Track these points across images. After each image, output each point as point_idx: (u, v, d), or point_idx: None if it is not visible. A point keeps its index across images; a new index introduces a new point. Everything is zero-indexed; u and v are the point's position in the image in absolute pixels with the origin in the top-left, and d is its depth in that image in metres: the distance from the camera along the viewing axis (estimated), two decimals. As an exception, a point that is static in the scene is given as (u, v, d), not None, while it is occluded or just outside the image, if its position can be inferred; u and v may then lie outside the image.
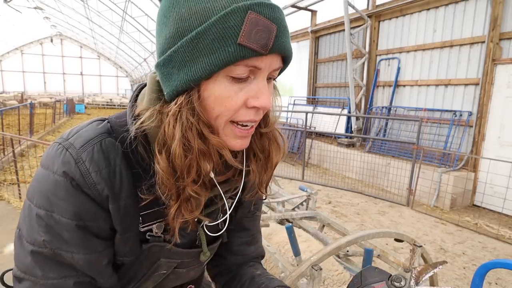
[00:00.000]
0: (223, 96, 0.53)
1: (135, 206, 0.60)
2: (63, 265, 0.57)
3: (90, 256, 0.58)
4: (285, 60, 0.57)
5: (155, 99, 0.58)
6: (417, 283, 0.56)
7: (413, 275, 0.56)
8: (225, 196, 0.67)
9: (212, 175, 0.61)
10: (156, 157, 0.56)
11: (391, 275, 0.56)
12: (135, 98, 0.65)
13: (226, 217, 0.72)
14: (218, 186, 0.64)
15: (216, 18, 0.49)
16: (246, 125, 0.57)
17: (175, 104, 0.54)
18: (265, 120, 0.66)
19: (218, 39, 0.49)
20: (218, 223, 0.73)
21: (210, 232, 0.72)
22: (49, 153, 0.58)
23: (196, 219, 0.68)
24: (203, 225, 0.71)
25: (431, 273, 0.57)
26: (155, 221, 0.64)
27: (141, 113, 0.59)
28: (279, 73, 0.62)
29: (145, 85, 0.65)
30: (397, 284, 0.54)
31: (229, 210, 0.70)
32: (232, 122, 0.56)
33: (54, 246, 0.55)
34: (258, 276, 0.81)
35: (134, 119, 0.59)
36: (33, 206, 0.56)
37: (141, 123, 0.57)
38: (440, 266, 0.58)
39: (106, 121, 0.62)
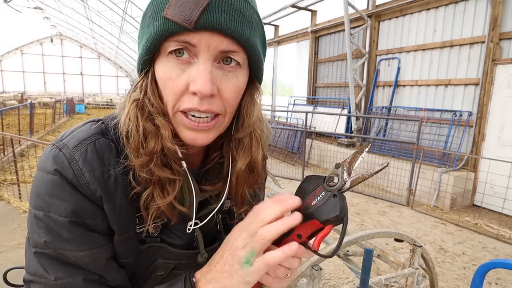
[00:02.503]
0: (166, 77, 0.53)
1: (131, 206, 0.60)
2: (69, 264, 0.57)
3: (94, 252, 0.57)
4: (240, 42, 0.52)
5: None
6: (349, 174, 0.55)
7: (345, 168, 0.56)
8: (217, 199, 0.67)
9: (184, 165, 0.60)
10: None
11: (325, 177, 0.56)
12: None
13: (218, 219, 0.71)
14: (193, 187, 0.62)
15: None
16: (194, 116, 0.54)
17: (136, 84, 0.57)
18: (240, 123, 0.62)
19: (152, 15, 0.51)
20: (217, 225, 0.73)
21: (207, 234, 0.72)
22: (43, 155, 0.58)
23: (190, 221, 0.67)
24: (197, 226, 0.69)
25: (360, 159, 0.56)
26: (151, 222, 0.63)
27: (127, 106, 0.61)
28: (255, 67, 0.58)
29: None
30: (331, 184, 0.55)
31: (210, 214, 0.69)
32: (182, 112, 0.55)
33: (56, 246, 0.55)
34: None
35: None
36: (32, 208, 0.56)
37: (126, 114, 0.58)
38: (366, 149, 0.57)
39: (101, 121, 0.62)
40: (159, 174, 0.56)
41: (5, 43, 30.54)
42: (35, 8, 21.97)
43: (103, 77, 38.09)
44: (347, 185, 0.55)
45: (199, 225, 0.67)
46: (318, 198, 0.54)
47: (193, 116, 0.54)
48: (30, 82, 33.98)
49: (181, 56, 0.52)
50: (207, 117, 0.55)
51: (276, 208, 0.51)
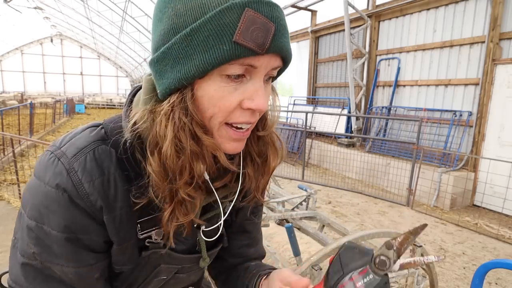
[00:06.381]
0: (217, 96, 0.51)
1: (132, 214, 0.59)
2: (53, 279, 0.56)
3: (81, 270, 0.56)
4: (284, 60, 0.55)
5: (148, 99, 0.57)
6: (399, 256, 0.51)
7: (394, 249, 0.51)
8: (222, 202, 0.66)
9: (206, 177, 0.59)
10: (148, 159, 0.54)
11: (373, 255, 0.51)
12: (130, 101, 0.63)
13: (221, 223, 0.71)
14: (215, 191, 0.62)
15: (212, 14, 0.47)
16: (241, 128, 0.55)
17: (168, 103, 0.52)
18: (263, 122, 0.64)
19: (213, 36, 0.47)
20: (218, 228, 0.72)
21: (210, 237, 0.71)
22: (41, 162, 0.56)
23: (194, 224, 0.67)
24: (201, 230, 0.69)
25: (413, 241, 0.53)
26: (154, 228, 0.62)
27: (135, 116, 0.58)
28: (279, 74, 0.60)
29: (141, 87, 0.63)
30: (383, 268, 0.50)
31: (224, 216, 0.68)
32: (227, 124, 0.54)
33: (43, 258, 0.54)
34: (252, 265, 0.82)
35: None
36: (25, 216, 0.55)
37: (133, 124, 0.55)
38: (421, 232, 0.53)
39: (101, 126, 0.60)
40: (191, 193, 0.56)
41: (5, 43, 30.51)
42: (35, 8, 21.95)
43: (103, 77, 38.06)
44: (395, 267, 0.51)
45: (207, 229, 0.67)
46: (365, 280, 0.49)
47: (236, 127, 0.55)
48: (30, 82, 33.96)
49: (238, 77, 0.51)
50: (247, 125, 0.56)
51: None
